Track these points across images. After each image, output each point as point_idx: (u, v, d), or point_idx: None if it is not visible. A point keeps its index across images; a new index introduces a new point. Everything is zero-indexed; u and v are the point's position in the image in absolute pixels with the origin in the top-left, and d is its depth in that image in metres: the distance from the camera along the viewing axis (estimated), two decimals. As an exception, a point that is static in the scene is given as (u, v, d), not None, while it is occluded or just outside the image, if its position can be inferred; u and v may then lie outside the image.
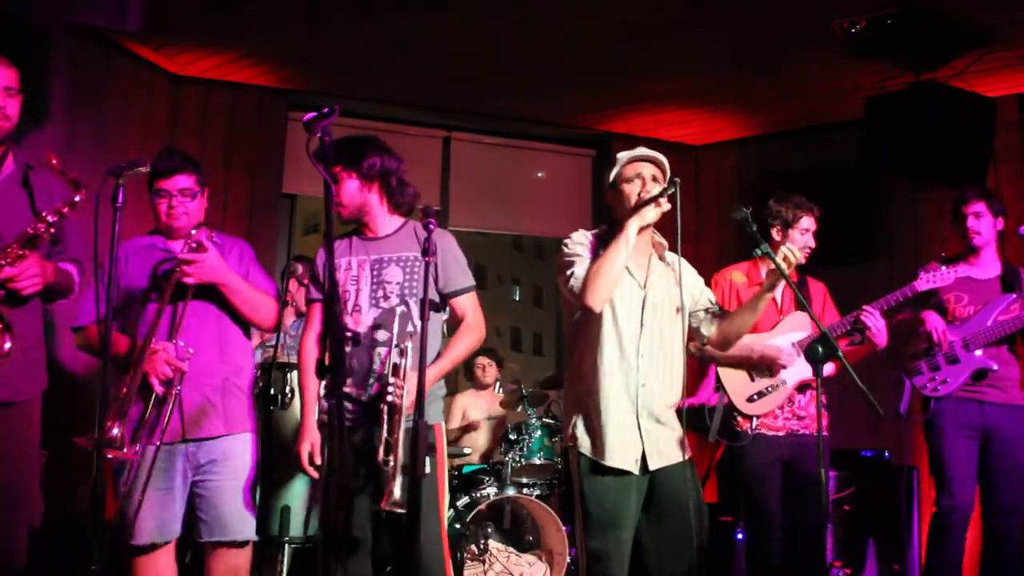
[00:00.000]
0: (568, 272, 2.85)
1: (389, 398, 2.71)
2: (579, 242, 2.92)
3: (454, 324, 3.05)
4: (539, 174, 6.70)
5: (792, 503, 3.61)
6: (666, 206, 2.79)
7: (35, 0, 4.14)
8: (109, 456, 2.73)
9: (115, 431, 2.70)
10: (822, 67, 5.12)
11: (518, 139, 6.43)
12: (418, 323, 2.81)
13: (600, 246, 2.87)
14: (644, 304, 2.87)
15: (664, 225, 2.89)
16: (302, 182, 5.68)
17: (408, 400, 2.73)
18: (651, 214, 2.79)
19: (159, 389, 2.87)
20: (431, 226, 2.74)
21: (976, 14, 4.45)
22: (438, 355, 2.93)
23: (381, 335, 2.87)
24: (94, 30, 4.75)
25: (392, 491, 2.64)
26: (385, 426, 2.71)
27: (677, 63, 5.19)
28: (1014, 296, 3.81)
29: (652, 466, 2.81)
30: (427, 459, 2.69)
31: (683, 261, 2.95)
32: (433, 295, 2.88)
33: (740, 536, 4.50)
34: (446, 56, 5.20)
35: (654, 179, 2.88)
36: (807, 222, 3.73)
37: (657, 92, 5.67)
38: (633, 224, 2.76)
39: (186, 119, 5.45)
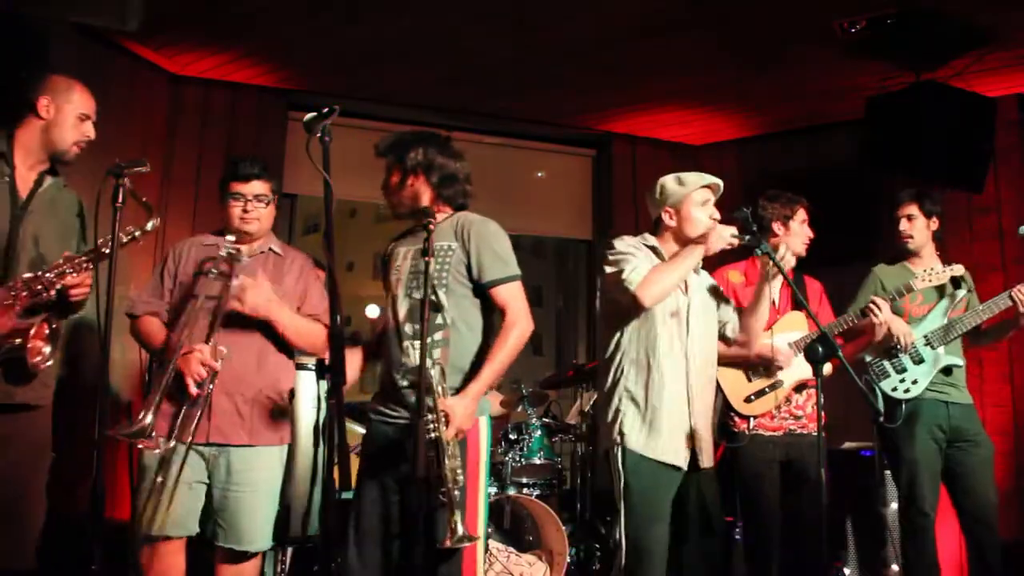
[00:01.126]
0: (619, 269, 2.97)
1: (432, 435, 2.61)
2: (631, 244, 3.07)
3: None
4: (539, 174, 6.70)
5: (790, 502, 3.61)
6: (733, 243, 3.01)
7: (35, 0, 4.14)
8: (139, 447, 2.75)
9: (147, 419, 2.70)
10: (822, 67, 5.12)
11: (518, 139, 6.42)
12: (448, 315, 2.78)
13: (644, 252, 3.06)
14: (689, 309, 3.05)
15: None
16: (302, 182, 5.68)
17: (450, 431, 2.63)
18: (718, 247, 2.98)
19: (193, 390, 2.88)
20: (431, 226, 2.74)
21: (976, 14, 4.45)
22: (480, 353, 2.83)
23: (410, 328, 2.83)
24: (94, 30, 4.75)
25: (455, 528, 2.56)
26: (436, 459, 2.61)
27: (677, 63, 5.19)
28: (964, 292, 3.86)
29: (703, 464, 2.99)
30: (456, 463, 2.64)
31: (711, 277, 3.22)
32: (466, 286, 2.84)
33: (739, 536, 4.50)
34: (446, 56, 5.20)
35: (713, 204, 3.12)
36: (803, 213, 3.79)
37: (657, 92, 5.67)
38: (700, 250, 2.97)
39: (186, 119, 5.45)
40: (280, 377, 3.11)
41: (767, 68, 5.20)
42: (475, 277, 2.84)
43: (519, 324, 2.82)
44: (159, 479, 2.90)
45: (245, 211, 3.11)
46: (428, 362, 2.67)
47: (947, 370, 3.80)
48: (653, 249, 3.11)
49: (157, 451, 2.85)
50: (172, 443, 2.88)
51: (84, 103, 2.90)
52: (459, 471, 2.64)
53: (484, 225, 2.91)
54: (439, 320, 2.80)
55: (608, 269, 3.03)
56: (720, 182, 3.15)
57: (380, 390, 2.92)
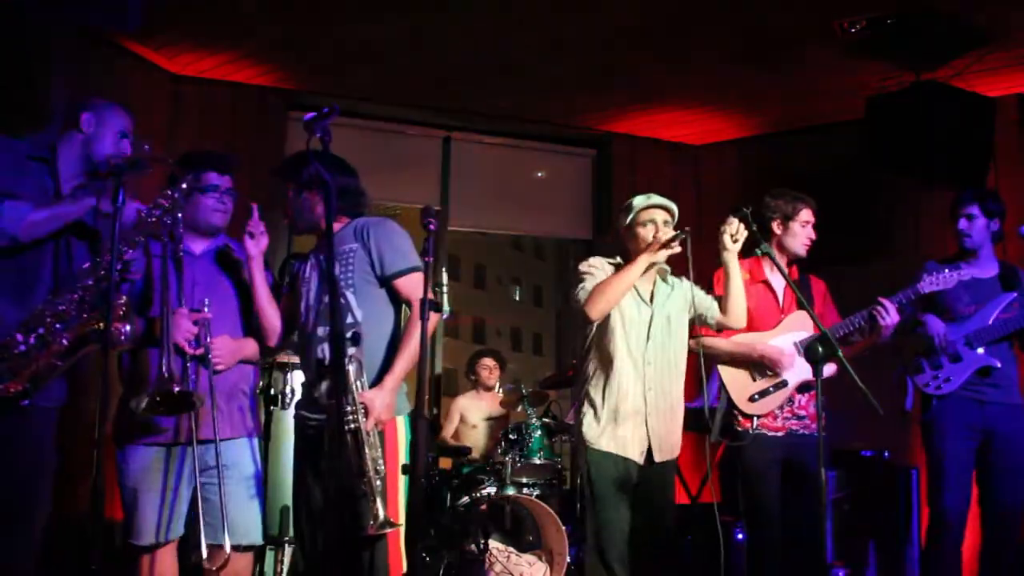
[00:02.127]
0: (579, 286, 3.29)
1: (352, 426, 2.73)
2: (595, 265, 3.36)
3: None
4: (539, 174, 6.71)
5: (792, 503, 3.60)
6: (676, 248, 3.23)
7: (35, 0, 4.14)
8: (175, 389, 2.77)
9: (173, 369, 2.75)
10: (822, 67, 5.12)
11: (518, 139, 6.43)
12: (358, 313, 2.87)
13: (603, 270, 3.34)
14: (651, 320, 3.32)
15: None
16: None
17: (369, 422, 2.76)
18: (662, 255, 3.24)
19: (189, 349, 2.91)
20: (431, 226, 2.75)
21: (976, 14, 4.45)
22: (392, 343, 2.94)
23: (322, 330, 2.92)
24: (94, 30, 4.75)
25: (377, 514, 2.67)
26: (354, 453, 2.73)
27: (677, 63, 5.19)
28: (1015, 295, 3.81)
29: (657, 459, 3.27)
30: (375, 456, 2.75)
31: (687, 283, 3.41)
32: (372, 283, 2.93)
33: (740, 536, 4.50)
34: (446, 56, 5.20)
35: (665, 223, 3.32)
36: (807, 214, 3.74)
37: (657, 92, 5.67)
38: (643, 260, 3.22)
39: (186, 119, 5.45)
40: (250, 370, 3.18)
41: (767, 68, 5.20)
42: (378, 272, 2.95)
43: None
44: (154, 485, 2.92)
45: (221, 202, 3.10)
46: (362, 380, 2.81)
47: (984, 371, 3.77)
48: (618, 267, 3.33)
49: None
50: (167, 445, 2.90)
51: (124, 122, 2.98)
52: (379, 461, 2.75)
53: (382, 224, 3.01)
54: (349, 319, 2.90)
55: (572, 287, 3.34)
56: (670, 203, 3.35)
57: (303, 397, 3.07)
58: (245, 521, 3.03)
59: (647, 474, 3.27)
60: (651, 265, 3.28)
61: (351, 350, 2.79)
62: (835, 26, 4.63)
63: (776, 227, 3.73)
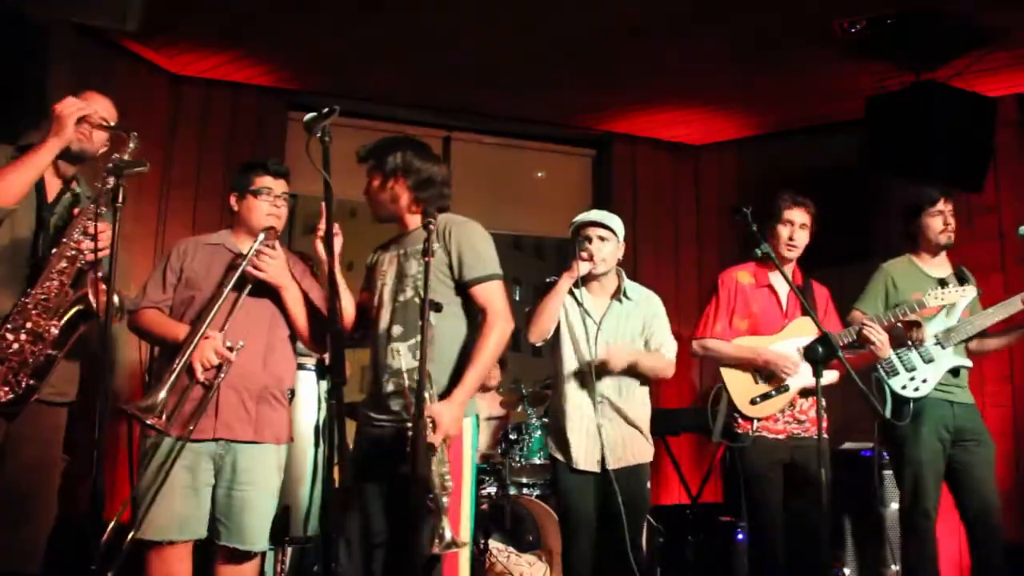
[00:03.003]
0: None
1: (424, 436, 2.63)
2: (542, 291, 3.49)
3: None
4: (539, 174, 6.70)
5: (793, 504, 3.60)
6: (586, 266, 3.38)
7: (35, 0, 4.14)
8: (148, 422, 2.72)
9: (160, 395, 2.70)
10: (822, 67, 5.12)
11: (518, 139, 6.42)
12: (433, 316, 2.74)
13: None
14: (599, 330, 3.45)
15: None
16: (302, 182, 5.64)
17: (437, 436, 2.63)
18: (578, 269, 3.38)
19: (200, 376, 2.86)
20: (431, 226, 2.73)
21: (976, 14, 4.45)
22: (464, 352, 2.85)
23: (396, 330, 2.85)
24: (94, 30, 4.75)
25: (443, 534, 2.56)
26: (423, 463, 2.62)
27: (677, 63, 5.19)
28: (974, 295, 3.82)
29: (611, 466, 3.33)
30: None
31: (652, 299, 3.59)
32: (448, 285, 2.86)
33: (741, 537, 4.50)
34: (446, 56, 5.20)
35: (601, 239, 3.43)
36: (792, 215, 3.69)
37: (657, 92, 5.67)
38: (564, 283, 3.41)
39: (186, 119, 5.45)
40: (284, 376, 3.10)
41: (767, 68, 5.20)
42: (456, 276, 2.86)
43: (499, 324, 2.83)
44: (162, 480, 2.86)
45: (275, 207, 3.10)
46: (418, 364, 2.66)
47: (955, 371, 3.79)
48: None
49: (165, 434, 2.81)
50: (175, 439, 2.85)
51: (108, 111, 2.96)
52: (446, 476, 2.64)
53: (465, 225, 2.93)
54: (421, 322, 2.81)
55: None
56: (600, 219, 3.46)
57: (368, 395, 2.95)
58: (259, 528, 2.99)
59: (604, 481, 3.32)
60: (586, 280, 3.41)
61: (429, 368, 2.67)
62: (835, 26, 4.63)
63: (768, 228, 3.71)
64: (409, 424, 2.63)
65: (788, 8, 4.51)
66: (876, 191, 5.60)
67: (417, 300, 2.80)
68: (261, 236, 3.03)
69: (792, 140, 6.04)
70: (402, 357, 2.78)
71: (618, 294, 3.52)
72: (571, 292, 3.47)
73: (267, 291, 3.04)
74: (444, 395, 2.74)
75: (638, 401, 3.49)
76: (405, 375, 2.75)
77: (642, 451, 3.45)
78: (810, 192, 3.84)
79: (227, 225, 3.22)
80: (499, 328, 2.83)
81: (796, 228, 3.69)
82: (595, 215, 3.51)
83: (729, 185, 6.31)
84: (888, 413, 3.74)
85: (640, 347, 3.50)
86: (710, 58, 5.10)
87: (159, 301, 3.07)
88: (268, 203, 3.09)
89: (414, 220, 2.97)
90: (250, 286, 2.99)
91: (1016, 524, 4.65)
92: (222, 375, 2.89)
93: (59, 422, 2.87)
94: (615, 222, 3.48)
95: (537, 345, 3.47)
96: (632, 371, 3.43)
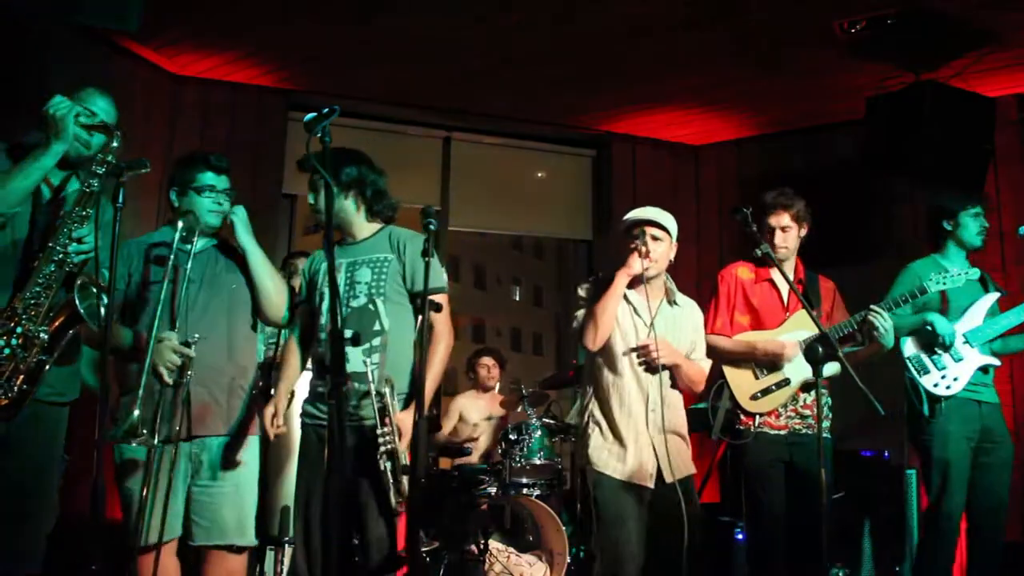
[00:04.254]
0: (575, 318, 3.31)
1: (389, 447, 2.83)
2: (587, 289, 3.35)
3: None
4: (539, 174, 6.70)
5: (793, 502, 3.60)
6: (651, 267, 3.21)
7: (35, 0, 4.14)
8: (132, 443, 2.75)
9: (134, 415, 2.70)
10: (822, 67, 5.12)
11: (518, 139, 6.43)
12: (386, 322, 2.93)
13: (595, 290, 3.29)
14: (651, 335, 3.24)
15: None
16: (302, 182, 5.66)
17: (403, 443, 2.83)
18: (636, 266, 3.20)
19: (168, 379, 2.85)
20: (431, 226, 2.75)
21: (976, 14, 4.46)
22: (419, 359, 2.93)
23: (347, 334, 2.93)
24: (94, 30, 4.75)
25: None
26: (390, 474, 2.83)
27: (677, 63, 5.19)
28: (997, 295, 3.89)
29: (667, 479, 3.17)
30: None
31: (696, 308, 3.46)
32: (402, 294, 3.03)
33: (740, 536, 4.50)
34: (446, 56, 5.20)
35: (654, 239, 3.24)
36: (772, 220, 3.67)
37: (657, 92, 5.67)
38: (621, 280, 3.21)
39: (186, 119, 5.45)
40: (248, 366, 3.13)
41: (767, 68, 5.20)
42: (409, 287, 3.05)
43: (445, 336, 3.03)
44: (150, 484, 2.87)
45: (219, 203, 3.09)
46: (394, 403, 2.91)
47: (985, 369, 3.81)
48: (596, 284, 3.34)
49: (148, 446, 2.82)
50: (156, 442, 2.84)
51: (107, 111, 2.98)
52: (405, 484, 2.82)
53: (418, 239, 3.06)
54: (376, 326, 2.94)
55: (573, 320, 3.35)
56: (656, 218, 3.27)
57: (311, 394, 3.08)
58: (236, 522, 2.99)
59: (659, 494, 3.17)
60: (643, 280, 3.24)
61: (375, 357, 2.86)
62: (835, 26, 4.63)
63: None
64: (365, 423, 2.85)
65: (788, 8, 4.51)
66: (876, 191, 5.60)
67: (371, 307, 2.96)
68: (180, 224, 2.99)
69: (792, 140, 6.04)
70: (353, 360, 2.91)
71: (670, 297, 3.39)
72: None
73: (222, 280, 3.07)
74: (404, 394, 2.95)
75: (680, 410, 3.38)
76: (368, 379, 2.89)
77: (689, 461, 3.34)
78: (810, 192, 3.84)
79: (167, 221, 3.18)
80: (446, 340, 3.03)
81: (778, 232, 3.68)
82: (650, 212, 3.31)
83: (729, 185, 6.31)
84: (926, 411, 3.77)
85: (685, 349, 3.38)
86: (710, 58, 5.10)
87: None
88: (211, 200, 3.08)
89: (365, 229, 3.13)
90: (190, 277, 2.97)
91: (1018, 525, 4.65)
92: (189, 373, 2.89)
93: (59, 422, 2.86)
94: (670, 222, 3.31)
95: (593, 350, 3.25)
96: (673, 374, 3.30)
